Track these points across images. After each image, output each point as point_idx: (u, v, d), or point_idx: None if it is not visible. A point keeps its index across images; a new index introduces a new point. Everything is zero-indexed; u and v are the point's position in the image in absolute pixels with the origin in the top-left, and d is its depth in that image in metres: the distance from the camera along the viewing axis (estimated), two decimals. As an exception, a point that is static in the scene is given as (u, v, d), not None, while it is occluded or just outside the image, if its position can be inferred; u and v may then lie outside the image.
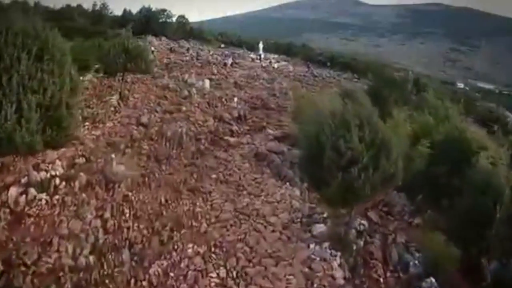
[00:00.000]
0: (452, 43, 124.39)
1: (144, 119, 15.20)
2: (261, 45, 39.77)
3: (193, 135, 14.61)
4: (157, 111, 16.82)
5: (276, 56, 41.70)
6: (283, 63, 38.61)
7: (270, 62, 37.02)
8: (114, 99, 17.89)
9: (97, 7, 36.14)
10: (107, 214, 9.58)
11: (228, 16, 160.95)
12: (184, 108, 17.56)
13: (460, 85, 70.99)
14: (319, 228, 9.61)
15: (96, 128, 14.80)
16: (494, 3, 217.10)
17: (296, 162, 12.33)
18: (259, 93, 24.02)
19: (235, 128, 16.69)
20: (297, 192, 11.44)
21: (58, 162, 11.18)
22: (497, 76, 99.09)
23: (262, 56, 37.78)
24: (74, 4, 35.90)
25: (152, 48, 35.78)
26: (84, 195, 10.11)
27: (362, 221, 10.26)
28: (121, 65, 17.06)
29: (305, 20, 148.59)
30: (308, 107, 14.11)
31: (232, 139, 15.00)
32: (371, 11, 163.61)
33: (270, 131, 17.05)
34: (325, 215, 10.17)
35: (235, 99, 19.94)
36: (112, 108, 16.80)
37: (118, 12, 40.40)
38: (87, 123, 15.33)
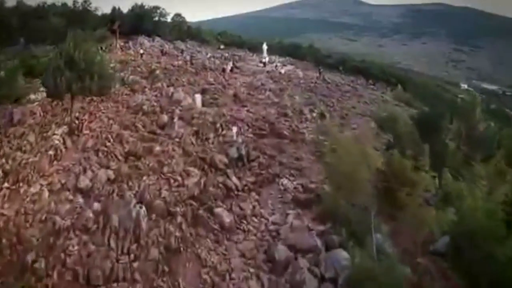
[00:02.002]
0: (455, 43, 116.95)
1: (86, 181, 8.85)
2: (265, 47, 32.99)
3: (163, 208, 8.30)
4: (115, 156, 10.48)
5: (281, 59, 35.16)
6: (290, 67, 31.80)
7: (276, 66, 30.06)
8: (59, 134, 11.49)
9: (79, 5, 29.53)
10: None
11: (229, 16, 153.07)
12: (157, 148, 11.22)
13: (464, 85, 64.84)
14: None
15: (10, 203, 8.55)
16: (495, 2, 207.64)
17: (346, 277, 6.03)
18: (265, 112, 17.49)
19: (233, 181, 10.38)
20: None
21: None
22: (501, 77, 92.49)
23: (267, 59, 31.08)
24: (59, 3, 29.43)
25: (141, 51, 29.51)
26: None
27: None
28: (64, 85, 10.64)
29: (306, 20, 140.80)
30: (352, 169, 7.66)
31: (228, 216, 8.65)
32: (372, 11, 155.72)
33: (287, 183, 10.85)
34: None
35: (234, 129, 13.46)
36: (51, 152, 10.51)
37: (107, 10, 33.94)
38: (6, 184, 9.16)
